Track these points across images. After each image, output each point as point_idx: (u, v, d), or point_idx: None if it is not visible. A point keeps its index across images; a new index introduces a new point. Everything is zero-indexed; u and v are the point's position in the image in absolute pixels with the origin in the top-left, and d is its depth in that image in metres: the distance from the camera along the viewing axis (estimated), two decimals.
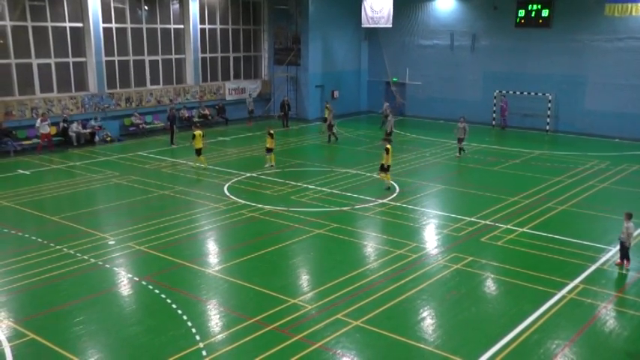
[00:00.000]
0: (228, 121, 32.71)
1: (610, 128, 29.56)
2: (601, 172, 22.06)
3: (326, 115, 28.45)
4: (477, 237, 15.04)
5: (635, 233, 14.11)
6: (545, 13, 30.41)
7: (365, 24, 33.48)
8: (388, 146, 19.14)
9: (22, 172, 21.50)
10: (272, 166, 22.04)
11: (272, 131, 22.01)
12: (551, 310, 11.12)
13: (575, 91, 30.63)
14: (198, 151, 22.00)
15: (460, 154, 24.59)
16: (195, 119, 31.22)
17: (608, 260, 13.54)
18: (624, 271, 12.95)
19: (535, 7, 30.62)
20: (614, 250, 13.77)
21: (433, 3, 34.45)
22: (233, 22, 34.15)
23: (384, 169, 19.11)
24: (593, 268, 13.09)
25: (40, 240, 14.53)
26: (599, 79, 29.84)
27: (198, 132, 22.13)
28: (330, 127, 27.34)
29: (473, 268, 13.05)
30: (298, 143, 27.80)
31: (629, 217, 12.95)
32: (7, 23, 24.87)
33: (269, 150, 22.11)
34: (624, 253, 13.07)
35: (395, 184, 19.84)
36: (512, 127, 32.10)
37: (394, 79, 36.59)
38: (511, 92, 32.09)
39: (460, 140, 24.43)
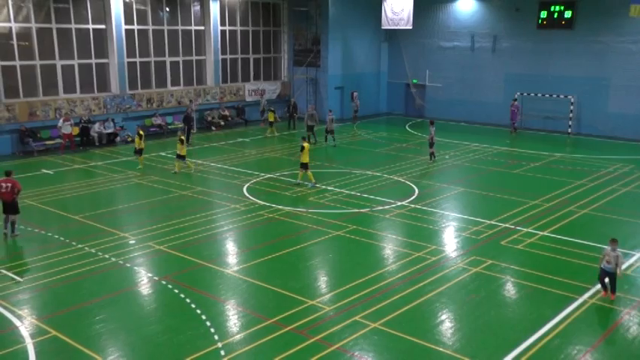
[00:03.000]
0: (248, 122, 32.87)
1: (634, 131, 29.08)
2: (624, 176, 21.71)
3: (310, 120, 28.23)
4: (496, 240, 14.91)
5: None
6: (568, 14, 30.05)
7: (385, 25, 33.40)
8: (304, 144, 19.54)
9: (45, 171, 21.84)
10: (176, 172, 21.34)
11: (182, 137, 21.59)
12: (573, 315, 10.98)
13: (598, 93, 30.20)
14: (139, 151, 22.24)
15: (431, 159, 23.77)
16: (215, 120, 31.53)
17: (631, 265, 13.33)
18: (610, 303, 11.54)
19: (558, 8, 30.28)
20: (638, 256, 13.53)
21: (454, 4, 34.25)
22: (253, 23, 34.32)
23: (303, 166, 19.63)
24: None
25: (62, 239, 14.75)
26: (623, 81, 29.39)
27: (141, 132, 22.49)
28: (311, 128, 27.48)
29: (492, 272, 12.94)
30: (317, 144, 27.77)
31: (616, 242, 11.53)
32: (33, 25, 25.30)
33: (180, 157, 21.47)
34: (614, 283, 11.56)
35: (414, 187, 19.80)
36: (534, 130, 31.77)
37: (414, 81, 36.44)
38: (532, 94, 31.76)
39: (431, 145, 23.64)
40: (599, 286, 11.95)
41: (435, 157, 23.95)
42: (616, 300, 11.60)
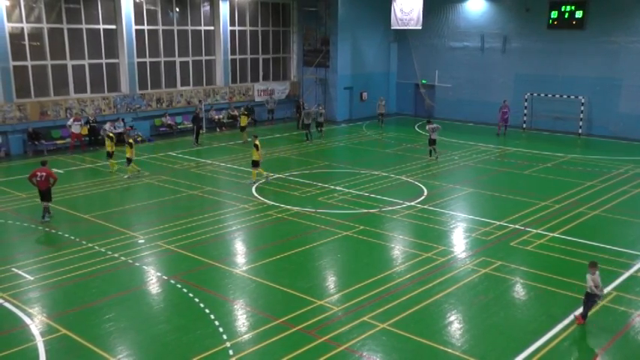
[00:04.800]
0: (257, 122, 32.89)
1: None
2: (635, 177, 21.53)
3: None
4: (506, 241, 14.84)
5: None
6: (579, 14, 29.83)
7: (394, 26, 33.33)
8: (256, 142, 19.87)
9: (55, 170, 21.89)
10: (129, 177, 20.89)
11: (130, 140, 21.22)
12: None
13: (610, 93, 29.98)
14: (111, 155, 21.85)
15: (432, 156, 24.08)
16: (225, 120, 31.61)
17: None
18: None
19: (569, 8, 30.08)
20: None
21: (463, 4, 34.12)
22: (262, 23, 34.37)
23: (254, 164, 19.99)
24: (626, 275, 12.78)
25: (72, 238, 14.83)
26: (635, 81, 29.15)
27: (112, 135, 22.36)
28: (308, 126, 27.85)
29: (502, 273, 12.88)
30: (327, 144, 27.78)
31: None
32: (44, 25, 25.47)
33: (128, 160, 21.00)
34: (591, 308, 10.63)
35: (423, 187, 19.75)
36: (543, 130, 31.58)
37: (423, 81, 36.34)
38: (542, 95, 31.59)
39: (433, 142, 23.87)
40: (610, 287, 11.87)
41: (431, 154, 24.10)
42: (627, 302, 11.51)
